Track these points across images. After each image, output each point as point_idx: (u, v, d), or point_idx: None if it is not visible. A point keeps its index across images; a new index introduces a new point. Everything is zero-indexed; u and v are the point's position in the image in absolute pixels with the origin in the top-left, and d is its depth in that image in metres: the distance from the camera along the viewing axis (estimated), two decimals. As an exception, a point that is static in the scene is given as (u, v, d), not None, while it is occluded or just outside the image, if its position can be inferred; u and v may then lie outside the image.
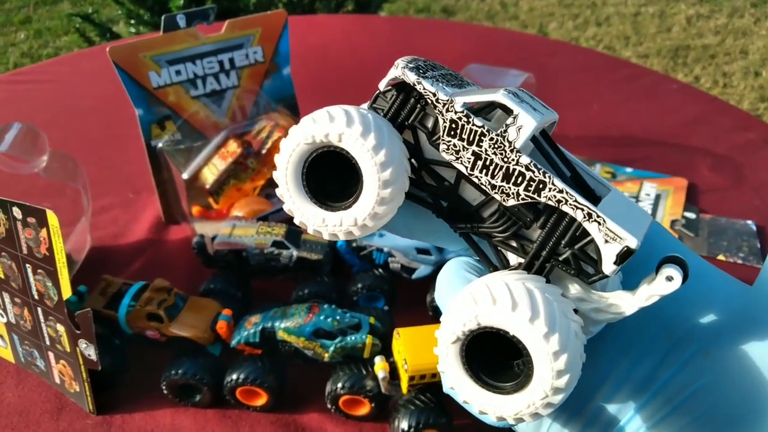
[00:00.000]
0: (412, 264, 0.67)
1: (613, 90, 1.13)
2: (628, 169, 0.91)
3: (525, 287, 0.21)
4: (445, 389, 0.26)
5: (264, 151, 0.76)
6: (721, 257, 0.77)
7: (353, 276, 0.68)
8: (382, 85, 0.25)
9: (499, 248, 0.24)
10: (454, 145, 0.23)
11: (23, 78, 1.15)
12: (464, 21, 2.93)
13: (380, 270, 0.68)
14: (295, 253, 0.66)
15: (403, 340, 0.55)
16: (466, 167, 0.23)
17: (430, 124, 0.24)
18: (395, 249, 0.67)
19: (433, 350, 0.24)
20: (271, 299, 0.64)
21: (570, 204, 0.22)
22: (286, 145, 0.24)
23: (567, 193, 0.22)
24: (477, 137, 0.23)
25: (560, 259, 0.23)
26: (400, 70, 0.24)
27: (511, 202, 0.23)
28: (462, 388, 0.23)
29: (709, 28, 2.83)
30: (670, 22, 2.88)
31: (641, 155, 0.95)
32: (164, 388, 0.58)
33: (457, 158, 0.23)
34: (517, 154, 0.22)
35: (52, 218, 0.49)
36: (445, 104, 0.23)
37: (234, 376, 0.56)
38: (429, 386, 0.55)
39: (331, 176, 0.24)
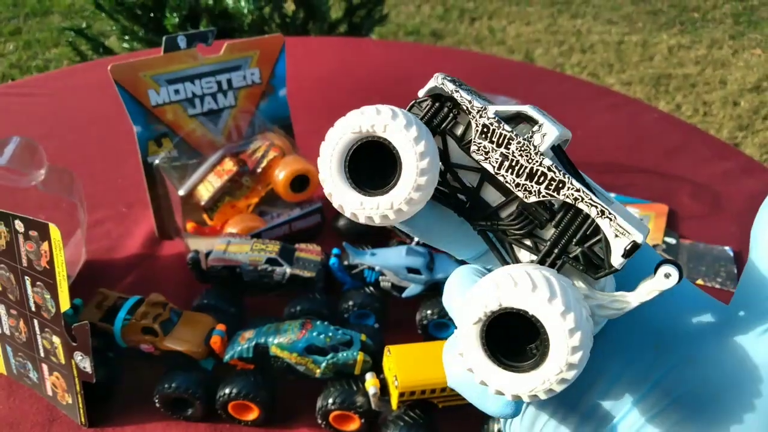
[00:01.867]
0: (402, 283, 0.69)
1: (596, 118, 1.16)
2: (611, 195, 0.94)
3: (542, 274, 0.24)
4: (450, 382, 0.27)
5: (259, 170, 0.78)
6: (699, 282, 0.79)
7: (344, 294, 0.69)
8: (421, 93, 0.28)
9: (513, 245, 0.27)
10: (484, 147, 0.26)
11: (19, 91, 1.16)
12: (452, 45, 2.98)
13: (371, 288, 0.69)
14: (288, 270, 0.67)
15: (394, 357, 0.56)
16: (494, 167, 0.26)
17: (459, 131, 0.27)
18: (386, 268, 0.68)
19: (449, 344, 0.26)
20: (264, 315, 0.65)
21: (586, 201, 0.25)
22: (332, 134, 0.26)
23: (583, 191, 0.25)
24: (506, 140, 0.26)
25: (571, 256, 0.25)
26: (440, 80, 0.27)
27: (533, 199, 0.26)
28: (480, 368, 0.24)
29: (689, 58, 2.91)
30: (652, 51, 2.96)
31: (624, 182, 0.98)
32: (157, 401, 0.59)
33: (486, 158, 0.26)
34: (541, 156, 0.25)
35: (54, 232, 0.50)
36: (479, 111, 0.26)
37: (226, 391, 0.57)
38: (418, 403, 0.56)
39: (365, 167, 0.27)
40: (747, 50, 2.97)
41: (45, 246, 0.52)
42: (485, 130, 0.26)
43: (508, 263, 0.27)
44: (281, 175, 0.77)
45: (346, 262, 0.70)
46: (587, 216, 0.25)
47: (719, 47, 3.00)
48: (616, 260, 0.24)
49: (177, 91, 0.76)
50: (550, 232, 0.26)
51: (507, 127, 0.26)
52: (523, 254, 0.27)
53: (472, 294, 0.24)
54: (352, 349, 0.58)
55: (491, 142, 0.26)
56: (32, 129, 1.03)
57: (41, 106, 1.11)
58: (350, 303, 0.68)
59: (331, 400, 0.57)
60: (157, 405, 0.59)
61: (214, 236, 0.76)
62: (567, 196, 0.25)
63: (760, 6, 3.38)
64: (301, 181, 0.78)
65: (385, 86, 1.22)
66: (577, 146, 1.15)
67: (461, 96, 0.27)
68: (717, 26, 3.21)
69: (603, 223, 0.24)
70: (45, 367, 0.59)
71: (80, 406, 0.57)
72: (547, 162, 0.25)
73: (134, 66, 0.73)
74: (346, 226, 0.80)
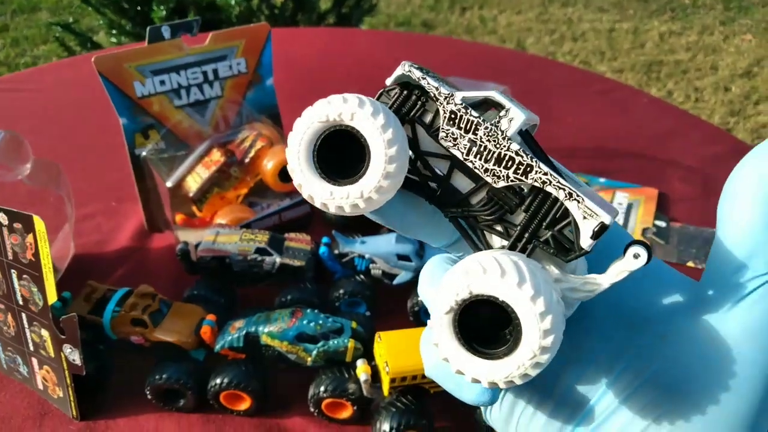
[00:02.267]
0: (392, 270, 0.68)
1: (587, 103, 1.16)
2: (602, 179, 0.94)
3: (510, 259, 0.24)
4: (428, 372, 0.27)
5: (247, 160, 0.77)
6: (690, 264, 0.79)
7: (335, 282, 0.69)
8: (388, 82, 0.28)
9: (485, 231, 0.27)
10: (453, 134, 0.26)
11: (5, 86, 1.14)
12: (444, 35, 2.97)
13: (362, 276, 0.69)
14: (277, 259, 0.67)
15: (385, 343, 0.56)
16: (462, 153, 0.26)
17: (428, 119, 0.27)
18: (376, 256, 0.68)
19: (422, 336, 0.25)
20: (255, 305, 0.65)
21: (554, 185, 0.25)
22: (300, 124, 0.26)
23: (551, 175, 0.25)
24: (473, 126, 0.26)
25: (541, 240, 0.25)
26: (407, 67, 0.27)
27: (501, 184, 0.26)
28: (455, 357, 0.24)
29: (680, 44, 2.91)
30: (643, 38, 2.96)
31: (614, 167, 0.98)
32: (148, 393, 0.58)
33: (455, 145, 0.26)
34: (508, 141, 0.25)
35: (38, 224, 0.50)
36: (446, 97, 0.26)
37: (218, 381, 0.57)
38: (410, 388, 0.56)
39: (334, 157, 0.27)
40: (738, 36, 2.97)
41: (30, 238, 0.51)
42: (453, 116, 0.26)
43: (480, 249, 0.27)
44: (269, 165, 0.77)
45: (336, 251, 0.69)
46: (556, 199, 0.25)
47: (710, 33, 3.00)
48: (585, 242, 0.24)
49: (163, 82, 0.76)
50: (520, 217, 0.26)
51: (474, 113, 0.26)
52: (495, 240, 0.27)
53: (443, 283, 0.24)
54: (342, 336, 0.58)
55: (459, 128, 0.26)
56: (20, 124, 1.02)
57: (28, 101, 1.10)
58: (341, 291, 0.67)
59: (322, 388, 0.57)
60: (149, 396, 0.59)
61: (204, 228, 0.76)
62: (535, 180, 0.25)
63: (751, -9, 3.38)
64: (290, 171, 0.78)
65: (377, 75, 1.21)
66: (568, 132, 1.15)
67: (428, 83, 0.27)
68: (708, 12, 3.21)
69: (571, 206, 0.24)
70: (35, 361, 0.58)
71: (71, 399, 0.57)
72: (515, 146, 0.25)
73: (119, 57, 0.72)
74: (335, 216, 0.80)
